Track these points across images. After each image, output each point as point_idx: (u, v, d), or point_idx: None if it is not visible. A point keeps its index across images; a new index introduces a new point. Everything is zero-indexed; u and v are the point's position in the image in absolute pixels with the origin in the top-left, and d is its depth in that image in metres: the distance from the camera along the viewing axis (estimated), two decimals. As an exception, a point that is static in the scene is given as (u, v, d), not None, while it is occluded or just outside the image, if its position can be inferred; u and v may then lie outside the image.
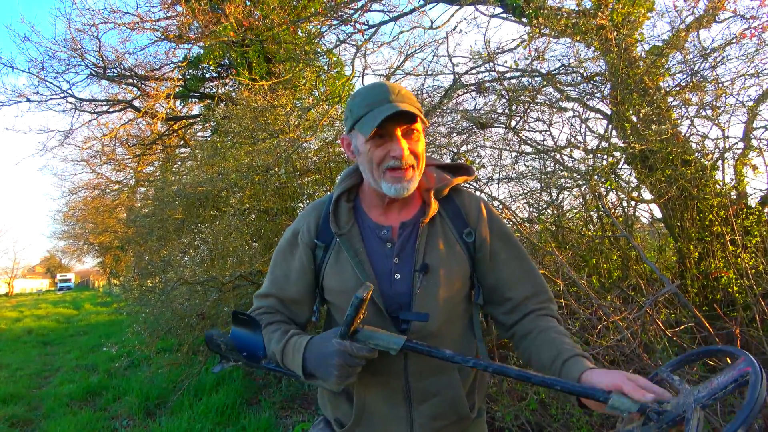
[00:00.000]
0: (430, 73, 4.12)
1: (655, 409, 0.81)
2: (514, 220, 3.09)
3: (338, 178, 1.27)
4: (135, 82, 9.19)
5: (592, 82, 3.46)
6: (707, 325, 2.10)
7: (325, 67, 6.53)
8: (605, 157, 3.26)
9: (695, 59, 3.00)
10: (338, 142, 4.07)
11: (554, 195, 3.42)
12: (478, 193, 3.44)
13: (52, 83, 8.89)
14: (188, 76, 8.86)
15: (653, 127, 2.68)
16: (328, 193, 1.28)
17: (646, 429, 0.80)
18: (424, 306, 1.09)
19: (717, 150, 2.88)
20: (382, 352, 1.04)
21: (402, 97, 1.08)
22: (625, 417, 0.85)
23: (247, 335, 1.13)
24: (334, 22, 6.26)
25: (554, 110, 3.47)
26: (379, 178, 1.10)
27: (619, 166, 3.22)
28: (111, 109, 9.98)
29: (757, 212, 2.79)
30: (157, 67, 9.16)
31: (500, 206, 3.22)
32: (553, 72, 3.51)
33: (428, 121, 1.15)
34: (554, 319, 1.14)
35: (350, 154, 1.18)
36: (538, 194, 3.49)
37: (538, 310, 1.15)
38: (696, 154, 2.96)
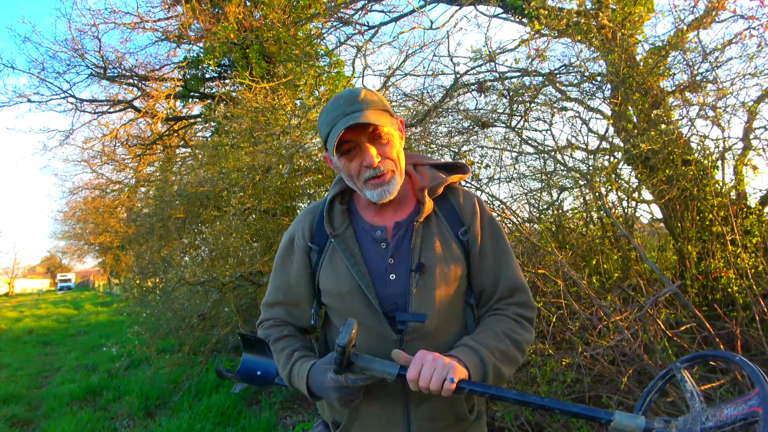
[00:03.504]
0: (430, 73, 4.12)
1: (661, 431, 0.80)
2: (514, 220, 3.09)
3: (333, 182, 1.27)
4: (135, 82, 9.19)
5: (593, 82, 3.46)
6: (707, 325, 2.10)
7: (326, 68, 6.53)
8: (606, 157, 3.26)
9: (696, 59, 3.00)
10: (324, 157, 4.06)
11: (555, 195, 3.42)
12: (478, 192, 3.44)
13: (52, 83, 8.91)
14: (188, 76, 8.85)
15: (662, 127, 2.68)
16: (324, 195, 1.29)
17: None
18: (421, 306, 1.09)
19: (717, 150, 2.87)
20: (378, 340, 1.05)
21: (360, 103, 1.06)
22: None
23: (258, 360, 1.18)
24: (335, 23, 6.26)
25: (555, 110, 3.47)
26: (362, 188, 1.12)
27: (620, 167, 3.22)
28: (111, 110, 9.98)
29: (757, 212, 2.79)
30: (157, 67, 9.18)
31: (501, 206, 3.22)
32: (554, 72, 3.51)
33: (398, 117, 1.14)
34: (507, 318, 1.13)
35: (336, 170, 1.18)
36: (539, 194, 3.49)
37: (498, 310, 1.15)
38: (696, 154, 2.96)
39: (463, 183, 1.34)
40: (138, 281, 5.98)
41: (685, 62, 3.05)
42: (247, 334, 1.21)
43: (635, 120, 3.15)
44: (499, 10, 4.28)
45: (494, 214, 1.27)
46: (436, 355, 0.96)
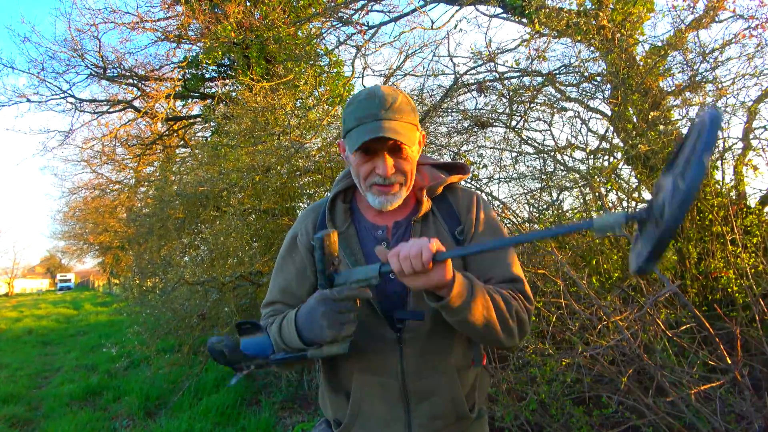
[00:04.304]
0: (430, 73, 4.12)
1: (640, 210, 0.78)
2: (514, 220, 3.09)
3: (336, 179, 1.28)
4: (135, 82, 9.18)
5: (592, 82, 3.46)
6: (707, 325, 2.10)
7: (326, 68, 6.53)
8: (606, 157, 3.26)
9: (695, 59, 3.00)
10: (338, 142, 4.07)
11: (555, 195, 3.42)
12: (478, 192, 3.44)
13: (52, 83, 8.89)
14: (188, 76, 8.84)
15: (660, 128, 2.69)
16: (327, 194, 1.29)
17: (645, 230, 0.75)
18: (419, 304, 1.09)
19: (717, 150, 2.87)
20: (376, 339, 1.06)
21: (394, 111, 1.06)
22: (620, 234, 0.80)
23: (255, 339, 1.16)
24: (335, 23, 6.26)
25: (555, 110, 3.48)
26: (365, 190, 1.12)
27: (620, 167, 3.22)
28: (111, 110, 9.97)
29: (757, 212, 2.79)
30: (157, 67, 9.16)
31: (500, 206, 3.22)
32: (554, 72, 3.52)
33: (422, 131, 1.13)
34: (506, 291, 1.10)
35: (345, 158, 1.19)
36: (539, 194, 3.49)
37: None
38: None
39: (463, 183, 1.34)
40: (138, 281, 5.97)
41: (684, 62, 3.05)
42: (242, 321, 1.18)
43: (635, 120, 3.15)
44: (499, 10, 4.29)
45: (494, 214, 1.27)
46: (413, 240, 0.94)
